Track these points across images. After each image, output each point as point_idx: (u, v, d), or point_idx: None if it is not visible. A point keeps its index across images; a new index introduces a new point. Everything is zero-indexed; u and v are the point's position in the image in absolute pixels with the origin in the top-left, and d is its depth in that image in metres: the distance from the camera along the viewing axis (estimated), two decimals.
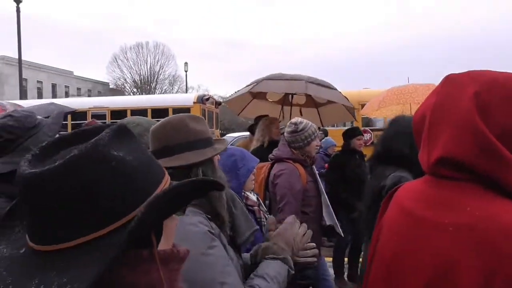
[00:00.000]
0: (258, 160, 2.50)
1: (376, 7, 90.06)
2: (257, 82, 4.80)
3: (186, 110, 14.13)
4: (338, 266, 4.96)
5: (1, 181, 1.60)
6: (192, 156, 1.45)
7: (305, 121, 3.09)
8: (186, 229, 1.33)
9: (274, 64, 68.71)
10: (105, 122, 13.77)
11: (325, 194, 3.26)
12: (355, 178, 4.71)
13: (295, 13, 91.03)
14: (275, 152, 3.22)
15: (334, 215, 3.25)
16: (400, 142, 2.19)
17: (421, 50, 76.41)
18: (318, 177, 3.28)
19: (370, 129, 11.85)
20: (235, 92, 5.27)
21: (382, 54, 78.84)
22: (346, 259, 5.07)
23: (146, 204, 0.66)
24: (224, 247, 1.40)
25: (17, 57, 18.07)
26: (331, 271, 4.89)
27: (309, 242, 1.61)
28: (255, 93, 5.40)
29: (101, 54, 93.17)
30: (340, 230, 3.23)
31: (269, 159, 3.25)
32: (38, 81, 52.16)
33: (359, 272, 3.82)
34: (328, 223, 3.20)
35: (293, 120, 3.10)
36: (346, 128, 6.65)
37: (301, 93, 4.99)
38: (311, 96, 5.42)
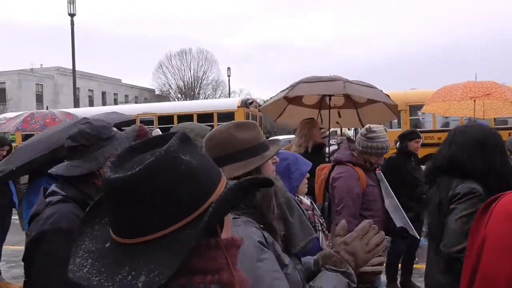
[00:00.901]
0: (310, 164, 2.48)
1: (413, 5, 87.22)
2: (292, 86, 4.73)
3: (231, 114, 14.34)
4: (391, 271, 4.82)
5: (68, 183, 1.71)
6: (236, 169, 1.43)
7: (384, 133, 3.03)
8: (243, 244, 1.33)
9: (316, 67, 68.18)
10: (153, 127, 14.23)
11: (393, 197, 3.18)
12: (411, 181, 4.54)
13: (338, 15, 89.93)
14: (336, 154, 3.20)
15: (406, 217, 3.16)
16: (473, 156, 2.07)
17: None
18: (383, 181, 3.21)
19: (419, 131, 11.46)
20: (270, 97, 5.24)
21: (429, 55, 76.24)
22: (399, 264, 4.92)
23: (219, 199, 0.76)
24: (278, 256, 1.38)
25: (70, 67, 19.07)
26: (383, 277, 4.78)
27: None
28: (290, 98, 5.31)
29: (147, 61, 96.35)
30: (414, 232, 3.14)
31: (331, 161, 3.23)
32: (89, 90, 54.74)
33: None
34: (398, 225, 3.12)
35: (374, 126, 3.03)
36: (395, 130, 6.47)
37: (340, 94, 4.87)
38: (350, 96, 5.31)
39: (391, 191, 3.22)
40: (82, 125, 1.77)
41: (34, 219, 1.68)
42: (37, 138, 2.75)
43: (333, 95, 5.04)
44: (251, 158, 1.46)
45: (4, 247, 5.51)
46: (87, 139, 1.72)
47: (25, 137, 13.65)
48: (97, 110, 14.36)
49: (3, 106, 43.90)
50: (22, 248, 5.47)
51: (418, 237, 3.20)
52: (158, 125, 14.58)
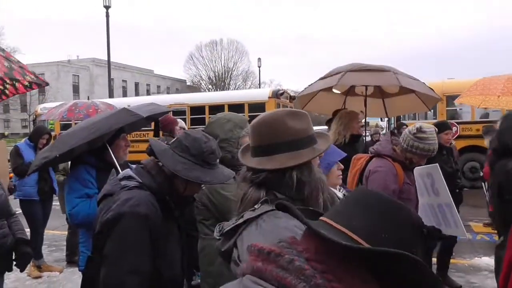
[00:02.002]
0: (342, 154, 2.44)
1: None
2: (338, 73, 4.54)
3: (261, 105, 14.30)
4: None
5: (145, 171, 1.79)
6: (288, 159, 1.35)
7: (434, 135, 2.93)
8: (280, 233, 1.24)
9: (346, 58, 67.04)
10: (185, 118, 14.41)
11: (445, 194, 3.07)
12: (443, 174, 4.40)
13: (367, 8, 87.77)
14: (376, 146, 3.11)
15: (456, 216, 3.05)
16: None
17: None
18: (416, 182, 3.11)
19: (457, 122, 11.07)
20: (309, 85, 5.10)
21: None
22: (434, 259, 4.80)
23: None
24: None
25: (105, 58, 19.52)
26: None
27: None
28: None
29: (179, 52, 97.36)
30: (464, 232, 3.02)
31: (369, 152, 3.15)
32: (123, 80, 56.05)
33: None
34: (429, 224, 3.04)
35: (425, 126, 2.91)
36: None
37: (394, 86, 4.72)
38: (380, 86, 5.17)
39: (445, 187, 3.05)
40: (203, 136, 1.86)
41: (106, 198, 1.75)
42: (79, 126, 2.83)
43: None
44: (303, 149, 1.39)
45: (46, 231, 5.74)
46: (197, 149, 1.81)
47: (63, 127, 14.14)
48: (133, 101, 14.68)
49: (42, 96, 45.63)
50: (61, 233, 5.69)
51: (467, 236, 3.04)
52: (190, 115, 14.74)
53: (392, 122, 11.92)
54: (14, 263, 2.73)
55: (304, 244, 0.79)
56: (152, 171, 1.80)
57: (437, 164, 3.16)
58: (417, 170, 3.05)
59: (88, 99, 8.05)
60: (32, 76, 3.44)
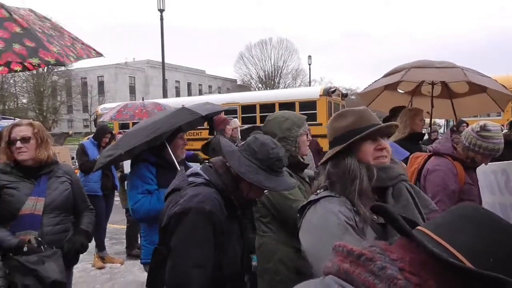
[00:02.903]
0: (405, 154, 2.38)
1: None
2: (402, 70, 4.41)
3: (313, 103, 14.18)
4: None
5: (213, 169, 1.85)
6: (328, 154, 1.60)
7: (500, 134, 2.78)
8: (325, 216, 1.47)
9: (399, 54, 64.68)
10: (236, 116, 14.60)
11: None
12: None
13: (421, 2, 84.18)
14: (435, 144, 3.00)
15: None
16: None
17: None
18: (485, 179, 2.95)
19: None
20: (373, 82, 4.98)
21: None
22: None
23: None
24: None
25: (158, 60, 20.20)
26: None
27: None
28: (387, 84, 5.07)
29: (229, 52, 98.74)
30: None
31: (427, 150, 3.05)
32: (176, 81, 57.76)
33: None
34: None
35: (490, 125, 2.76)
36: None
37: (462, 82, 4.50)
38: (447, 86, 4.94)
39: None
40: (271, 142, 1.88)
41: (174, 193, 1.83)
42: (140, 126, 2.97)
43: (434, 83, 4.70)
44: (338, 145, 1.58)
45: (107, 225, 6.06)
46: (264, 155, 1.83)
47: (122, 126, 14.82)
48: (187, 100, 15.08)
49: (102, 97, 48.12)
50: (121, 226, 5.93)
51: None
52: (241, 114, 14.92)
53: (452, 120, 11.37)
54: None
55: (398, 252, 0.76)
56: (219, 170, 1.85)
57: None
58: (489, 166, 2.88)
59: (143, 99, 8.40)
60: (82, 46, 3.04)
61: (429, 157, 2.94)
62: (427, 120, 5.57)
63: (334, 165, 1.56)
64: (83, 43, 2.29)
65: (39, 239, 2.48)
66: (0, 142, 2.83)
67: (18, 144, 2.49)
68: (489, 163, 2.84)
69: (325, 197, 1.53)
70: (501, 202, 2.97)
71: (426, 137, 7.66)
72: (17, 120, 2.64)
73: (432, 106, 4.87)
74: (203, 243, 1.69)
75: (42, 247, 2.47)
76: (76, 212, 2.79)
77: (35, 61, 1.73)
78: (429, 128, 5.07)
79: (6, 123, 9.17)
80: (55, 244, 2.56)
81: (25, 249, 2.41)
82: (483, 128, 2.70)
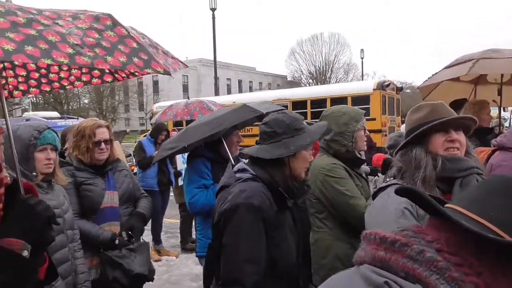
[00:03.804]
0: None
1: None
2: (468, 60, 4.09)
3: (366, 97, 13.80)
4: None
5: (258, 164, 1.84)
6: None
7: None
8: (386, 200, 1.58)
9: (454, 48, 61.29)
10: None
11: None
12: None
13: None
14: (499, 138, 2.80)
15: None
16: None
17: None
18: None
19: None
20: (433, 74, 4.69)
21: None
22: None
23: None
24: None
25: (210, 58, 20.56)
26: None
27: None
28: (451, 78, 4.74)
29: (279, 49, 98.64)
30: None
31: (491, 145, 2.86)
32: (227, 78, 58.60)
33: None
34: None
35: None
36: None
37: None
38: None
39: None
40: (278, 114, 1.90)
41: (223, 190, 1.87)
42: (202, 121, 3.08)
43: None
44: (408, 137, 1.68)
45: (163, 219, 6.27)
46: (281, 127, 1.84)
47: (175, 124, 15.27)
48: (239, 97, 15.23)
49: (156, 96, 49.89)
50: (176, 221, 6.10)
51: None
52: (292, 110, 14.84)
53: None
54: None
55: (432, 233, 0.74)
56: (263, 163, 1.83)
57: None
58: None
59: (189, 98, 8.67)
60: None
61: (493, 151, 2.74)
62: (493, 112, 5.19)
63: (403, 155, 1.66)
64: (172, 57, 2.50)
65: (129, 232, 2.66)
66: (65, 141, 3.02)
67: (103, 145, 2.65)
68: None
69: (392, 185, 1.64)
70: None
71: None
72: (94, 119, 2.79)
73: (500, 95, 4.52)
74: (254, 238, 1.69)
75: (131, 239, 2.66)
76: (135, 201, 2.91)
77: (149, 71, 1.98)
78: (498, 121, 4.72)
79: (70, 122, 9.76)
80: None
81: (117, 241, 2.57)
82: None
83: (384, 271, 0.71)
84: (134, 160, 7.63)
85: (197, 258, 3.25)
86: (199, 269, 4.59)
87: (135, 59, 1.83)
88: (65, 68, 2.22)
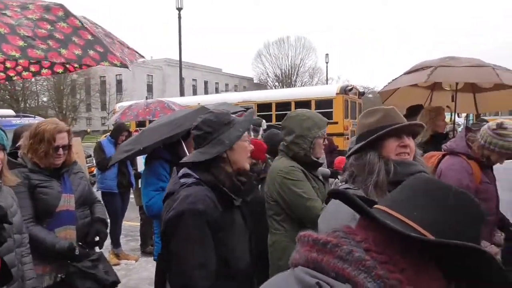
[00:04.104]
0: None
1: None
2: (427, 67, 4.20)
3: (329, 101, 14.07)
4: None
5: (201, 167, 1.84)
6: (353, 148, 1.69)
7: None
8: (339, 205, 1.58)
9: (418, 54, 63.66)
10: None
11: None
12: None
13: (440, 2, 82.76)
14: (449, 143, 2.92)
15: None
16: None
17: None
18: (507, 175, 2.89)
19: None
20: (393, 80, 4.79)
21: None
22: None
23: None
24: None
25: (176, 58, 20.33)
26: None
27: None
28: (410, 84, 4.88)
29: (246, 51, 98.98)
30: None
31: (442, 149, 2.97)
32: (193, 79, 58.12)
33: None
34: None
35: (506, 123, 2.68)
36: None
37: (491, 82, 4.28)
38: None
39: None
40: (205, 115, 1.92)
41: (169, 197, 1.85)
42: (160, 123, 3.02)
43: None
44: (362, 141, 1.66)
45: (123, 222, 6.12)
46: (210, 126, 1.86)
47: (138, 124, 14.98)
48: (204, 99, 15.14)
49: (120, 95, 48.77)
50: (136, 224, 5.96)
51: None
52: (257, 112, 14.90)
53: (471, 118, 11.14)
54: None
55: (362, 233, 0.77)
56: (206, 165, 1.84)
57: None
58: (511, 162, 2.80)
59: (146, 99, 8.46)
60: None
61: (443, 156, 2.86)
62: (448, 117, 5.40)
63: (356, 159, 1.66)
64: (128, 47, 2.41)
65: (80, 243, 2.62)
66: (16, 140, 2.89)
67: (60, 151, 2.55)
68: (510, 161, 2.77)
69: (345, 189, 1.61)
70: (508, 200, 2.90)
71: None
72: (56, 122, 2.64)
73: (454, 101, 4.70)
74: (201, 243, 1.70)
75: (88, 250, 2.63)
76: (89, 205, 2.83)
77: (105, 63, 1.91)
78: (453, 126, 4.93)
79: (26, 121, 9.36)
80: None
81: (77, 251, 2.50)
82: (500, 126, 2.64)
83: (317, 272, 0.73)
84: (94, 161, 7.42)
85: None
86: None
87: (91, 52, 1.77)
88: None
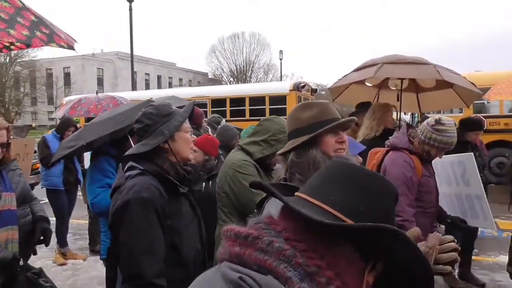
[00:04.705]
0: (361, 148, 2.41)
1: None
2: (374, 64, 4.29)
3: (282, 97, 14.24)
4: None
5: (144, 158, 1.87)
6: (290, 144, 1.62)
7: (454, 128, 2.87)
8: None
9: (371, 52, 65.89)
10: (206, 110, 14.48)
11: (477, 185, 3.06)
12: None
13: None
14: (392, 139, 3.06)
15: (486, 208, 3.03)
16: None
17: None
18: (443, 170, 3.07)
19: (484, 116, 10.75)
20: (343, 76, 4.95)
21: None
22: None
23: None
24: None
25: (128, 52, 19.76)
26: None
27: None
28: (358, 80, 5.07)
29: (201, 46, 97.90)
30: (492, 224, 3.04)
31: (385, 146, 3.10)
32: (145, 73, 56.71)
33: None
34: (454, 214, 3.01)
35: (444, 119, 2.85)
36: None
37: (433, 79, 4.52)
38: (415, 80, 5.03)
39: (477, 179, 3.03)
40: (145, 108, 1.96)
41: (116, 191, 1.86)
42: (105, 117, 2.91)
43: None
44: (303, 135, 1.59)
45: (70, 221, 5.90)
46: (150, 118, 1.89)
47: (88, 119, 14.45)
48: (155, 93, 14.83)
49: (68, 89, 46.70)
50: (85, 222, 5.75)
51: (495, 229, 3.07)
52: (212, 108, 14.81)
53: (416, 116, 11.70)
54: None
55: (282, 223, 0.78)
56: (150, 156, 1.88)
57: (471, 153, 3.06)
58: (447, 157, 2.97)
59: (97, 93, 8.16)
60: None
61: (387, 152, 3.00)
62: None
63: (298, 156, 1.57)
64: (61, 31, 2.29)
65: (42, 237, 2.60)
66: None
67: None
68: (447, 155, 2.94)
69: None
70: (457, 193, 3.09)
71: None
72: None
73: (399, 100, 4.93)
74: (148, 230, 1.72)
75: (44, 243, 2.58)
76: (28, 202, 2.72)
77: (53, 45, 1.83)
78: (398, 122, 5.17)
79: None
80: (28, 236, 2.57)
81: (21, 263, 2.35)
82: (438, 122, 2.80)
83: (240, 266, 0.73)
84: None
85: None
86: None
87: (38, 33, 1.72)
88: None
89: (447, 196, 3.15)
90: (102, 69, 54.53)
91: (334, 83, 5.11)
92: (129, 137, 2.74)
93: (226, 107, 14.81)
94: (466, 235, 4.43)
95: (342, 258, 0.74)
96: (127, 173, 1.85)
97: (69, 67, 51.92)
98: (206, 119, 6.09)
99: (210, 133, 4.95)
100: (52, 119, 47.25)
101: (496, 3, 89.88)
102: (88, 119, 14.23)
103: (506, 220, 7.02)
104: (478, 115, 9.23)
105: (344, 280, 0.72)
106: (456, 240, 1.33)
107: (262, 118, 2.75)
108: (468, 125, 4.64)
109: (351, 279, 0.74)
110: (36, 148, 5.28)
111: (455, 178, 3.03)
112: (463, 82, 4.43)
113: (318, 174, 0.86)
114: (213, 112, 14.48)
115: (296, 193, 0.83)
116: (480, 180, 3.06)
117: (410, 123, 13.07)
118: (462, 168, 3.06)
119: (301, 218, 0.73)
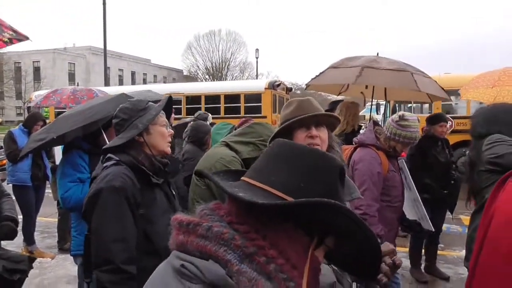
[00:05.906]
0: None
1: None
2: (353, 66, 4.31)
3: (258, 96, 14.28)
4: (415, 256, 4.77)
5: (120, 150, 1.93)
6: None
7: (417, 123, 2.98)
8: None
9: (346, 51, 66.80)
10: (181, 107, 14.36)
11: (413, 190, 3.17)
12: (435, 164, 4.49)
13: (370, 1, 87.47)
14: (359, 136, 3.15)
15: (423, 210, 3.17)
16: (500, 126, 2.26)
17: None
18: (404, 171, 3.18)
19: (451, 117, 11.10)
20: (320, 73, 4.86)
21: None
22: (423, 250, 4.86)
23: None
24: None
25: (101, 47, 19.36)
26: (406, 261, 4.73)
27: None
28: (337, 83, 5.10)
29: (176, 42, 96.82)
30: (430, 225, 3.16)
31: (353, 143, 3.19)
32: (119, 69, 55.66)
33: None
34: (411, 218, 3.15)
35: (407, 115, 2.97)
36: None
37: (411, 89, 4.58)
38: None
39: (412, 183, 3.20)
40: (122, 105, 2.03)
41: (93, 182, 1.92)
42: (76, 110, 2.85)
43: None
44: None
45: (38, 218, 5.75)
46: (126, 113, 1.97)
47: (58, 114, 14.08)
48: (130, 89, 14.57)
49: (38, 83, 45.31)
50: (54, 219, 5.60)
51: (433, 230, 3.25)
52: (186, 105, 14.71)
53: (388, 115, 11.96)
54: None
55: (227, 207, 0.80)
56: (126, 148, 1.95)
57: (402, 159, 3.22)
58: (401, 162, 3.13)
59: (78, 85, 7.97)
60: (11, 32, 3.28)
61: (355, 148, 3.10)
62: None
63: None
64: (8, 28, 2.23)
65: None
66: None
67: None
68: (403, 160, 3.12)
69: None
70: (409, 197, 3.24)
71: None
72: None
73: (366, 88, 5.02)
74: (118, 218, 1.77)
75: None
76: None
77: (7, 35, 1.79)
78: (370, 121, 5.29)
79: None
80: None
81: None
82: (402, 118, 2.94)
83: (184, 254, 0.75)
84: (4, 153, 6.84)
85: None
86: (77, 270, 4.31)
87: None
88: None
89: (409, 201, 3.29)
90: (74, 63, 53.17)
91: (312, 79, 5.11)
92: (103, 131, 2.70)
93: (201, 104, 14.73)
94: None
95: (284, 236, 0.76)
96: (104, 164, 1.92)
97: (39, 61, 50.38)
98: (192, 116, 6.07)
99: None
100: (20, 114, 45.77)
101: (496, 3, 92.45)
102: (58, 114, 13.89)
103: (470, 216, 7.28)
104: (446, 115, 9.55)
105: (288, 257, 0.74)
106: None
107: (241, 117, 2.76)
108: (431, 119, 4.83)
109: (295, 255, 0.75)
110: (1, 144, 5.12)
111: (407, 183, 3.21)
112: (433, 89, 4.57)
113: (262, 156, 0.88)
114: (187, 109, 14.41)
115: (242, 178, 0.85)
116: (413, 184, 3.23)
117: (382, 122, 13.41)
118: (404, 173, 3.22)
119: (241, 201, 0.75)
